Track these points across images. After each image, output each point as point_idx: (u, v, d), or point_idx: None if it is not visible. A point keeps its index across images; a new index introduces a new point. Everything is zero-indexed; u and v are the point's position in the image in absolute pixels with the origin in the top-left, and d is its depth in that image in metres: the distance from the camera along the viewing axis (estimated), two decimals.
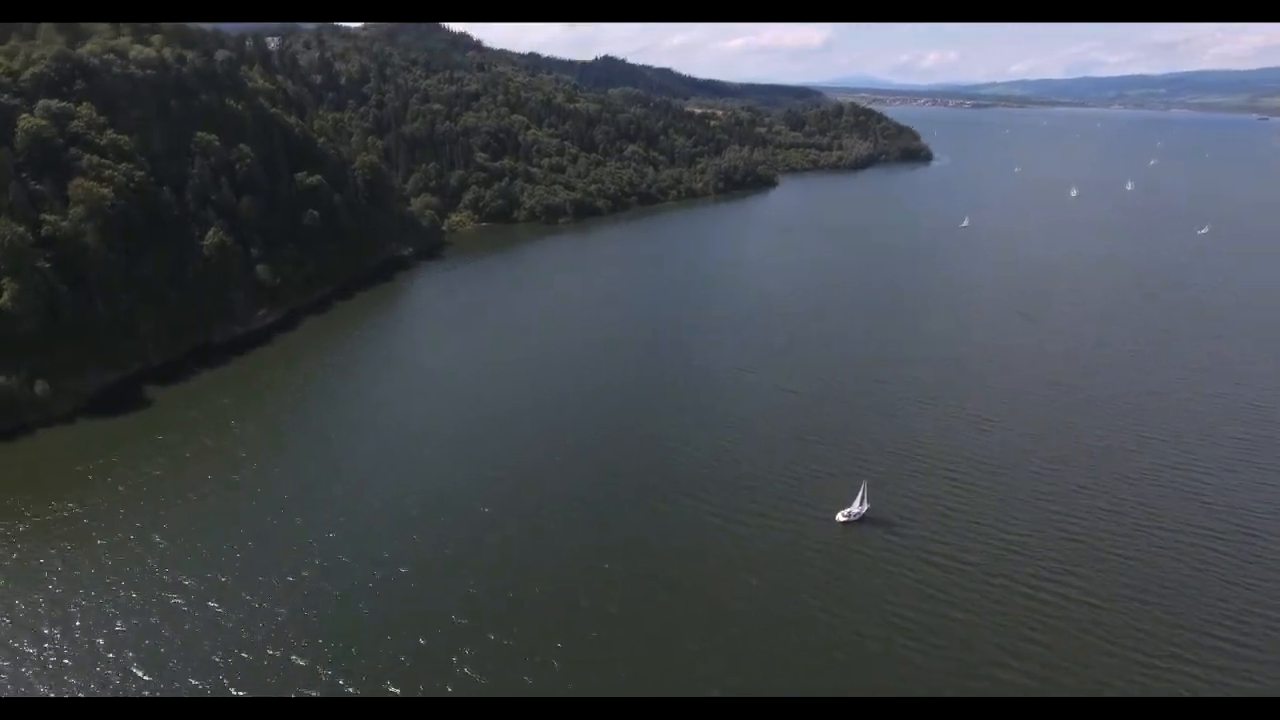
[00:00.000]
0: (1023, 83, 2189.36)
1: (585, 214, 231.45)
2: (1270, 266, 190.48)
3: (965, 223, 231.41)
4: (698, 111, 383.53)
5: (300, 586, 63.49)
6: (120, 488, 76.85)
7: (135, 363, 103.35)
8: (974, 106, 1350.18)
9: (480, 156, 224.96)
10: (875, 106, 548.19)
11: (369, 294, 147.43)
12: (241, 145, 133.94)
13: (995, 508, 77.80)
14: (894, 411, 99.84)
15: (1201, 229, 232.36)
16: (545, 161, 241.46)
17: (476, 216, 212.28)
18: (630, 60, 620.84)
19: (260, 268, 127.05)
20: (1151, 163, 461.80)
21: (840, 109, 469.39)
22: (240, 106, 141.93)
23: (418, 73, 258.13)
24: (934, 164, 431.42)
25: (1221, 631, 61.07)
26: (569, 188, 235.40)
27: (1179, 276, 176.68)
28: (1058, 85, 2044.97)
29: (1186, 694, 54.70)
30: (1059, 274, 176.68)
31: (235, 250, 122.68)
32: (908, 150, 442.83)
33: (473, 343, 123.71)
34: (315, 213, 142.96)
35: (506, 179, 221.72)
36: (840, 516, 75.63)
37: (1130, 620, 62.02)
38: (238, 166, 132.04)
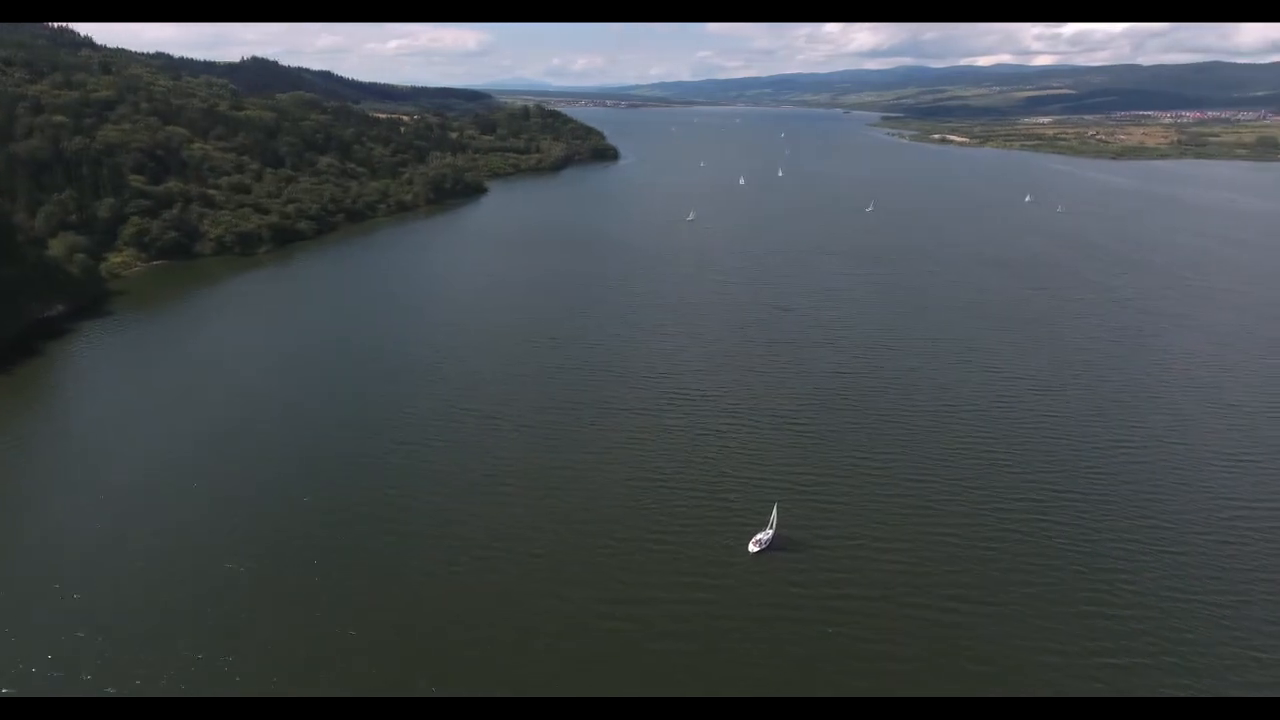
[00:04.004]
0: (662, 84, 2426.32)
1: (288, 239, 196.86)
2: (941, 235, 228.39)
3: (690, 216, 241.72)
4: (384, 117, 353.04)
5: None
6: None
7: None
8: (629, 106, 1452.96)
9: (135, 179, 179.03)
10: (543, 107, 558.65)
11: (4, 380, 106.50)
12: None
13: (859, 515, 76.58)
14: (717, 428, 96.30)
15: (868, 207, 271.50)
16: (224, 181, 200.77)
17: (145, 255, 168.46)
18: (283, 62, 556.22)
19: None
20: (785, 152, 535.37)
21: (527, 111, 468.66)
22: None
23: (19, 75, 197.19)
24: (623, 162, 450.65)
25: (1089, 603, 64.59)
26: (261, 210, 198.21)
27: (880, 251, 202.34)
28: (690, 87, 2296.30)
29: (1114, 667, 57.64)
30: (786, 261, 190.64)
31: None
32: (597, 150, 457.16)
33: (155, 455, 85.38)
34: None
35: (178, 205, 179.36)
36: (753, 546, 70.08)
37: (1024, 611, 63.09)
38: None
